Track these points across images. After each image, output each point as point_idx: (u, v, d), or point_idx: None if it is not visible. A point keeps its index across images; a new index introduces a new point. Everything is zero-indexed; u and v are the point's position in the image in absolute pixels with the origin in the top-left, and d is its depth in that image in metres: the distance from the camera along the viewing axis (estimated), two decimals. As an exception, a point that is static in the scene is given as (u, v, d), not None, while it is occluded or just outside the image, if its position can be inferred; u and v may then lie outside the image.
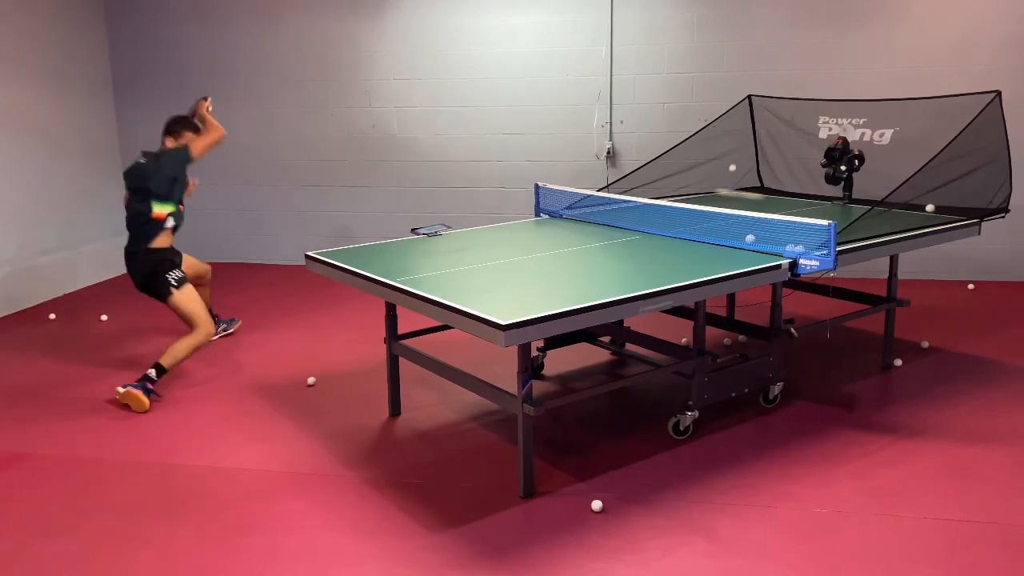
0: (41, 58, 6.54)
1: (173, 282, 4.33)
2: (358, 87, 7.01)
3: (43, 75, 6.56)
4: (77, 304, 6.19)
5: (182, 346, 4.25)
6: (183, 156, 4.43)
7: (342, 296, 6.04)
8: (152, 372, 4.18)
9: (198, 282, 4.75)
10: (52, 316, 5.81)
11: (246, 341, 5.18)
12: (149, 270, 4.34)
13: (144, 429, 3.89)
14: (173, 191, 4.39)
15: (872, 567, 2.71)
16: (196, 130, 4.58)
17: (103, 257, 6.92)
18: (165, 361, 4.21)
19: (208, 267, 5.05)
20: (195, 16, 7.12)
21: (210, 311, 4.69)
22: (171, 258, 4.40)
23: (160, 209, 4.33)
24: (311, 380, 4.44)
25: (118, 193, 7.56)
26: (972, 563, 2.72)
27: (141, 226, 4.35)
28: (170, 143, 4.52)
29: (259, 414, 4.04)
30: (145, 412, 4.04)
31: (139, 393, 4.05)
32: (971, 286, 5.35)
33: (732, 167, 5.06)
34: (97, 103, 7.21)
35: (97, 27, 7.21)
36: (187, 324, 4.37)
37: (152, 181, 4.31)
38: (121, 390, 4.11)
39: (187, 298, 4.35)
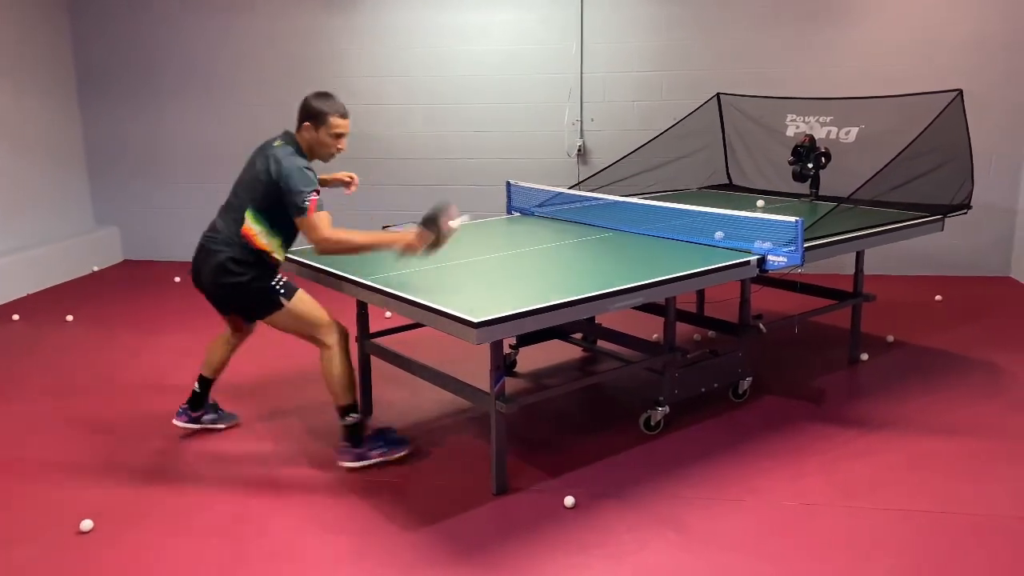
0: (1, 55, 6.41)
1: (280, 289, 3.38)
2: (329, 84, 6.90)
3: (4, 71, 6.43)
4: (41, 305, 6.09)
5: (327, 372, 3.38)
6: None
7: (312, 294, 5.99)
8: (348, 420, 3.36)
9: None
10: (16, 317, 5.70)
11: (215, 341, 5.12)
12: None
13: (111, 431, 3.83)
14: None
15: (840, 558, 2.75)
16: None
17: (68, 256, 6.80)
18: (338, 399, 3.38)
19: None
20: (161, 11, 7.03)
21: (206, 393, 3.77)
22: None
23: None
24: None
25: (83, 191, 7.53)
26: (939, 553, 2.78)
27: None
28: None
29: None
30: (404, 457, 3.44)
31: (387, 458, 3.37)
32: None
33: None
34: (60, 100, 7.09)
35: (60, 22, 7.08)
36: (310, 337, 3.45)
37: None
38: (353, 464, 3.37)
39: (303, 305, 3.42)
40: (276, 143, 3.38)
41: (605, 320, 4.43)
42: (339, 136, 3.38)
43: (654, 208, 4.19)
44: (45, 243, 6.67)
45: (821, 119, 4.97)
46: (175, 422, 3.75)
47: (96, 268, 7.07)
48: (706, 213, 3.92)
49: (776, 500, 3.11)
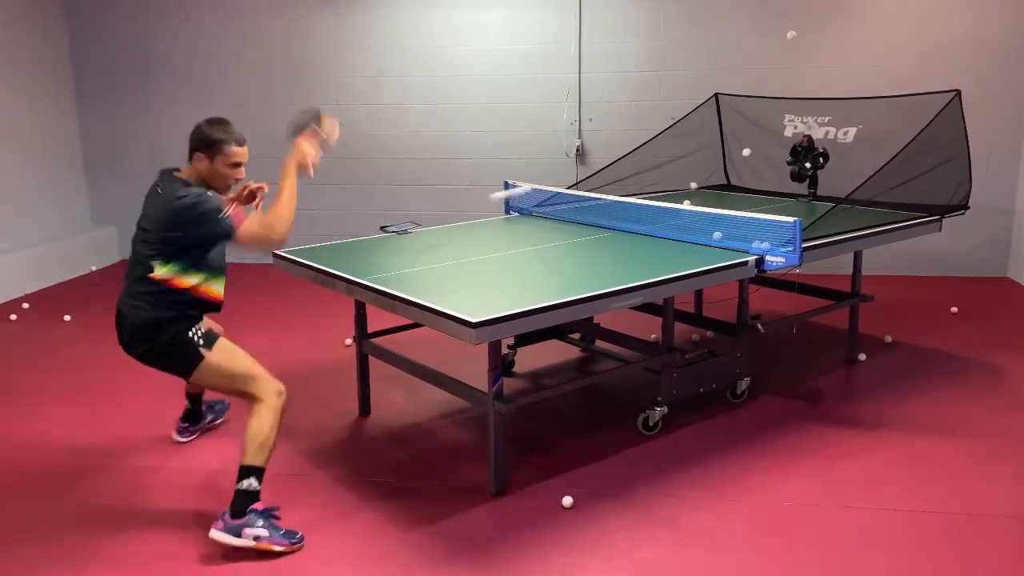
0: None
1: (199, 339, 3.01)
2: (325, 84, 6.96)
3: (1, 71, 6.42)
4: (39, 304, 6.08)
5: (254, 427, 2.91)
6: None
7: (310, 295, 6.00)
8: (245, 484, 2.84)
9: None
10: (13, 317, 5.70)
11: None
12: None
13: (107, 430, 3.83)
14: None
15: (836, 558, 2.76)
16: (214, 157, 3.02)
17: (65, 257, 6.80)
18: (249, 458, 2.88)
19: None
20: (158, 11, 7.02)
21: (198, 408, 3.66)
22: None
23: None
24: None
25: (80, 190, 7.52)
26: (934, 552, 2.78)
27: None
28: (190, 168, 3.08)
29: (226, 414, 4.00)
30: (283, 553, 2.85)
31: (262, 546, 2.81)
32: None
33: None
34: (58, 100, 7.08)
35: (57, 22, 7.07)
36: (239, 394, 3.03)
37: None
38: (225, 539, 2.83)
39: (228, 357, 3.03)
40: (159, 190, 3.02)
41: (603, 320, 4.43)
42: (236, 165, 3.07)
43: (651, 208, 4.19)
44: (42, 243, 6.66)
45: (819, 119, 4.98)
46: (176, 438, 3.67)
47: (94, 268, 7.06)
48: (704, 213, 3.92)
49: (772, 500, 3.11)
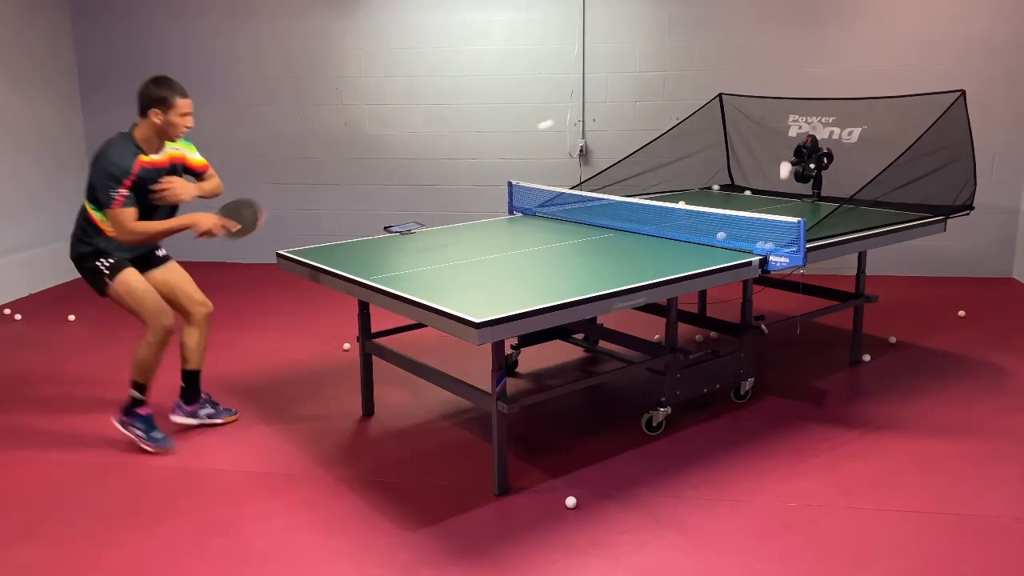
0: (4, 54, 6.42)
1: (105, 270, 3.54)
2: (330, 85, 6.97)
3: (6, 72, 6.44)
4: (43, 304, 6.09)
5: (138, 352, 3.58)
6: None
7: (314, 295, 6.00)
8: (133, 393, 3.60)
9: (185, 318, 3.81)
10: (17, 316, 5.71)
11: (217, 340, 5.12)
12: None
13: (110, 429, 3.84)
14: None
15: (841, 560, 2.75)
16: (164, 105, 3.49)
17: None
18: (133, 375, 3.61)
19: (202, 308, 3.85)
20: (163, 13, 7.03)
21: (194, 386, 3.86)
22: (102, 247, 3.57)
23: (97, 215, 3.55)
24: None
25: (84, 192, 7.50)
26: (939, 555, 2.77)
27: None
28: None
29: (231, 414, 4.00)
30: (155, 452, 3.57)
31: (137, 441, 3.57)
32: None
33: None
34: (62, 101, 7.10)
35: (62, 23, 7.09)
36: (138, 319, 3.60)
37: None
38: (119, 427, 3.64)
39: (125, 288, 3.54)
40: (117, 134, 3.56)
41: (607, 320, 4.43)
42: (186, 114, 3.56)
43: (655, 208, 4.19)
44: (47, 243, 6.67)
45: (823, 119, 4.97)
46: (172, 418, 3.80)
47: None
48: (708, 213, 3.92)
49: (777, 501, 3.11)
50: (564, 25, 6.56)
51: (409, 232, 4.23)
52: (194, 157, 3.78)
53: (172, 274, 3.79)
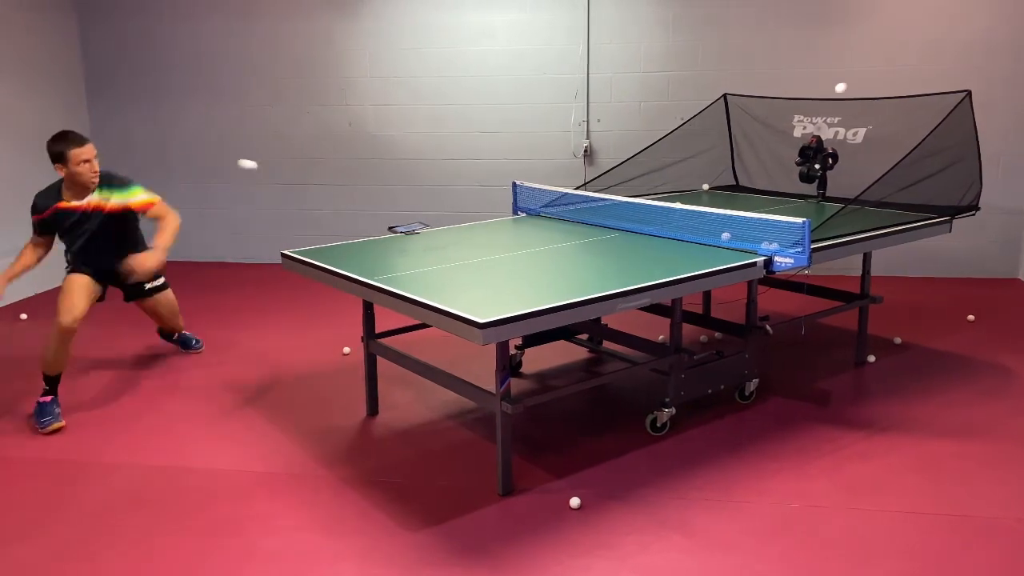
0: (10, 55, 6.44)
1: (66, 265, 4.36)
2: (334, 85, 6.98)
3: (12, 72, 6.45)
4: (49, 304, 6.10)
5: (45, 346, 4.04)
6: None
7: (318, 295, 6.01)
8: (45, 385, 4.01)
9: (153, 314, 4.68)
10: (23, 316, 5.73)
11: (221, 341, 5.14)
12: None
13: (115, 430, 3.85)
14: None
15: (846, 561, 2.74)
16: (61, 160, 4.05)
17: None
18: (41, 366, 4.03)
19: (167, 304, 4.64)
20: (169, 13, 7.05)
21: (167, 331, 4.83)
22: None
23: None
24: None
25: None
26: (945, 556, 2.77)
27: None
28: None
29: (234, 414, 4.01)
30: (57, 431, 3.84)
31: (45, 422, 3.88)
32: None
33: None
34: (68, 101, 7.11)
35: (68, 23, 7.11)
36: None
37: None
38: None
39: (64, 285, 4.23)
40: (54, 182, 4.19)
41: (611, 321, 4.42)
42: (85, 162, 4.03)
43: (660, 208, 4.18)
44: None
45: (828, 120, 4.96)
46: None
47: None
48: (712, 214, 3.91)
49: (781, 502, 3.10)
50: (569, 25, 6.56)
51: (413, 232, 4.23)
52: (135, 200, 4.24)
53: (153, 306, 4.63)
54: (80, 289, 4.16)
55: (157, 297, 4.56)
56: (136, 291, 4.49)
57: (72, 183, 4.10)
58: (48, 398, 3.96)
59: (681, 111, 5.94)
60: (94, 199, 4.17)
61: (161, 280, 4.57)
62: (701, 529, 2.93)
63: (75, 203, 4.15)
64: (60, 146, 4.01)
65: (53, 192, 4.19)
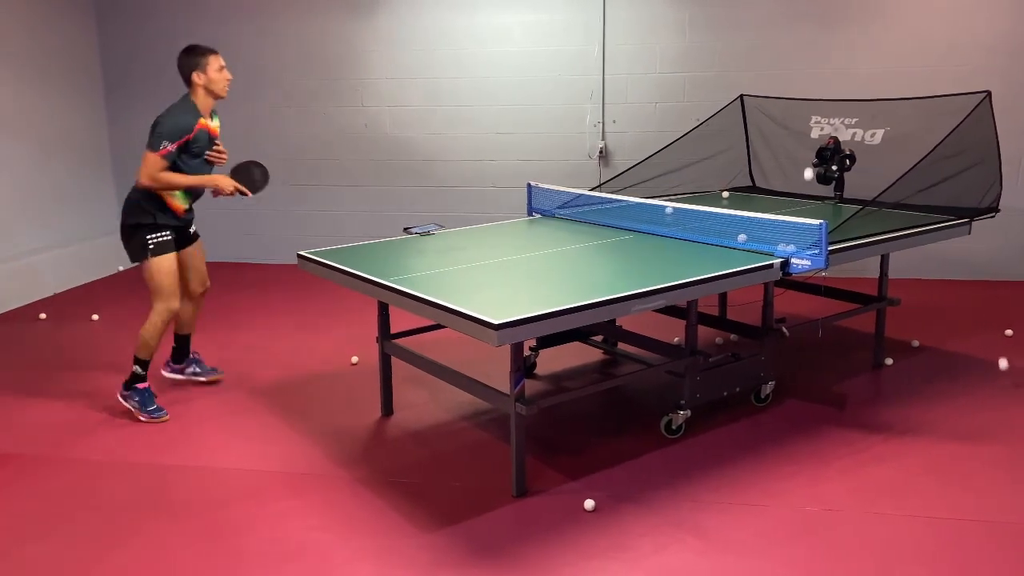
0: (30, 56, 6.51)
1: (151, 246, 3.88)
2: (351, 86, 7.00)
3: (32, 73, 6.53)
4: (67, 304, 6.17)
5: (143, 329, 3.92)
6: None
7: (334, 296, 6.03)
8: (135, 368, 3.94)
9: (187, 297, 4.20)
10: (42, 316, 5.78)
11: (237, 341, 5.17)
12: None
13: (134, 429, 3.88)
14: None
15: (862, 565, 2.72)
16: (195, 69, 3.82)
17: (94, 256, 6.89)
18: (138, 352, 3.94)
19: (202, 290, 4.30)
20: (186, 15, 7.10)
21: (183, 347, 4.36)
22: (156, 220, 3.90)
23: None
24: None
25: (108, 191, 7.61)
26: (962, 561, 2.74)
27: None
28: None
29: (250, 414, 4.03)
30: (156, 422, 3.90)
31: (134, 412, 3.93)
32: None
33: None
34: (87, 101, 7.18)
35: (87, 25, 7.18)
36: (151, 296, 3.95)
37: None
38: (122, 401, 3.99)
39: (158, 269, 3.88)
40: (175, 103, 3.87)
41: (626, 323, 4.41)
42: (223, 68, 3.88)
43: (675, 210, 4.17)
44: (71, 243, 6.76)
45: (846, 121, 4.92)
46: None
47: (121, 268, 7.15)
48: (728, 215, 3.89)
49: (797, 505, 3.08)
50: (585, 27, 6.55)
51: (429, 233, 4.23)
52: (215, 125, 4.04)
53: (196, 252, 4.18)
54: (176, 270, 3.93)
55: (197, 243, 4.20)
56: (192, 237, 4.15)
57: (206, 96, 3.85)
58: (147, 384, 3.95)
59: (697, 112, 5.92)
60: (215, 124, 3.97)
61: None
62: (716, 532, 2.92)
63: (211, 124, 3.91)
64: (196, 54, 3.81)
65: (190, 109, 3.81)
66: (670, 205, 4.18)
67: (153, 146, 3.73)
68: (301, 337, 5.24)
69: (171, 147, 3.72)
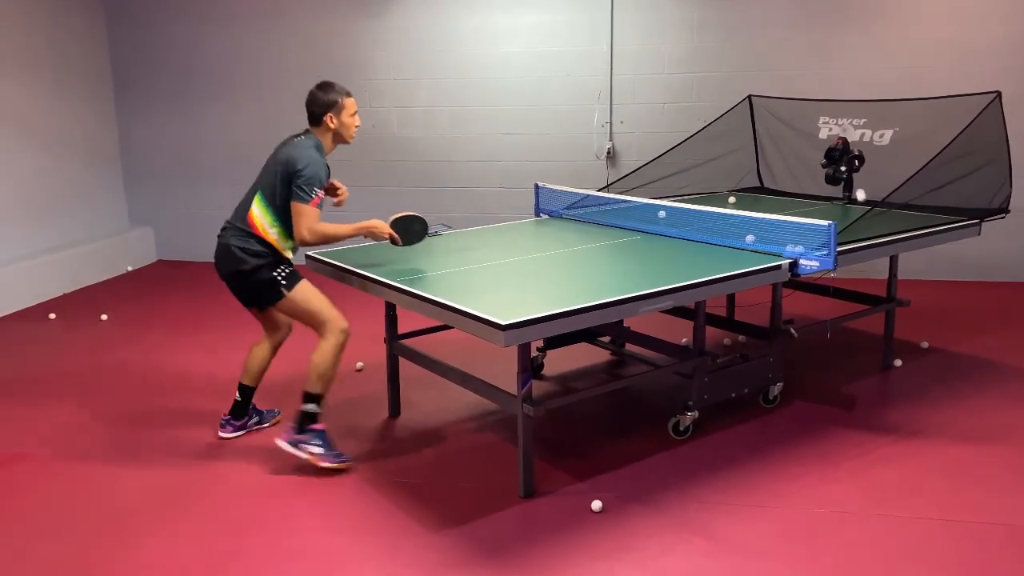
0: (40, 57, 6.54)
1: (282, 280, 3.48)
2: (358, 87, 6.98)
3: (42, 74, 6.56)
4: (76, 304, 6.19)
5: (318, 356, 3.45)
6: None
7: (342, 296, 6.02)
8: (308, 407, 3.42)
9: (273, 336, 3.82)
10: (52, 316, 5.81)
11: (246, 341, 5.17)
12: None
13: (144, 429, 3.88)
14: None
15: (871, 567, 2.71)
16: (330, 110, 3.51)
17: (103, 256, 6.92)
18: (311, 386, 3.44)
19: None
20: (196, 16, 7.12)
21: (247, 402, 3.81)
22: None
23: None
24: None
25: (118, 192, 7.65)
26: (971, 563, 2.72)
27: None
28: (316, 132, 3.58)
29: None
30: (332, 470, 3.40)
31: (313, 460, 3.37)
32: None
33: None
34: (97, 102, 7.21)
35: (97, 26, 7.21)
36: (312, 326, 3.54)
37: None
38: (289, 448, 3.41)
39: (302, 297, 3.50)
40: (300, 136, 3.58)
41: (633, 323, 4.40)
42: (354, 114, 3.59)
43: (683, 211, 4.16)
44: (81, 243, 6.78)
45: (855, 122, 4.91)
46: (221, 435, 3.75)
47: (130, 268, 7.18)
48: (737, 216, 3.88)
49: (805, 507, 3.07)
50: (592, 27, 6.54)
51: (436, 234, 4.24)
52: None
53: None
54: (317, 289, 3.58)
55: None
56: None
57: (334, 140, 3.58)
58: (324, 426, 3.43)
59: (705, 113, 5.91)
60: None
61: None
62: (724, 533, 2.91)
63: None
64: (333, 93, 3.51)
65: (322, 152, 3.52)
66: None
67: (305, 198, 3.38)
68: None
69: (322, 194, 3.45)
